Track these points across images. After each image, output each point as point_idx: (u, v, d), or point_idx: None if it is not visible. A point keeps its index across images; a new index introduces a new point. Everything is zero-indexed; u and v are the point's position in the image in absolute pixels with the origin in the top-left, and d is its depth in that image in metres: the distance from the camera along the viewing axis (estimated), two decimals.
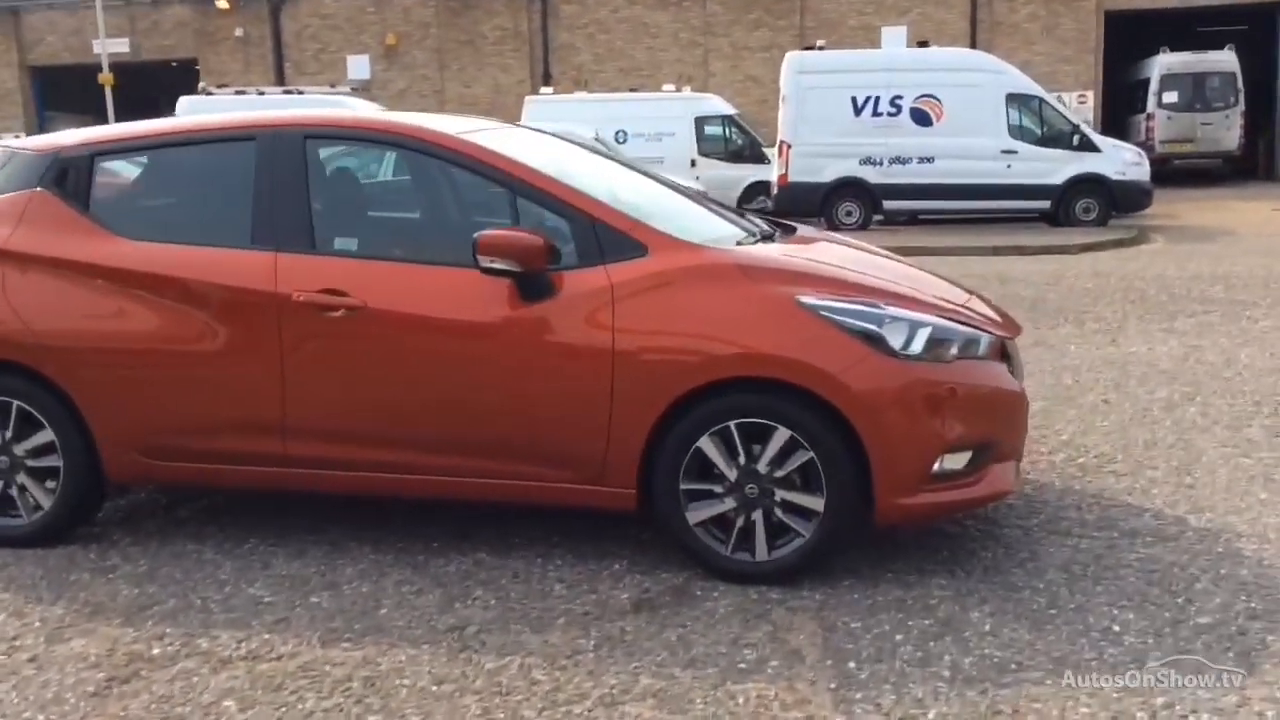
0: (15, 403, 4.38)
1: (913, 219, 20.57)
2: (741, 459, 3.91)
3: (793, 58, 19.51)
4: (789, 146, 19.34)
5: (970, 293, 4.67)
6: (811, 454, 3.86)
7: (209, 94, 23.59)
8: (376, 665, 3.45)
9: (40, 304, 4.36)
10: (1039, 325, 9.14)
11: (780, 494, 3.92)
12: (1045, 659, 3.43)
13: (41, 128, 25.62)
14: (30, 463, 4.41)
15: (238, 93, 24.09)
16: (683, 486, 3.97)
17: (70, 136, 4.69)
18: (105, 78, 23.23)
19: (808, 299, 3.91)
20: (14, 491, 4.44)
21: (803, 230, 5.12)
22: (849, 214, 19.35)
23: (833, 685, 3.30)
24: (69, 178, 4.48)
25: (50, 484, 4.41)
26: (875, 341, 3.86)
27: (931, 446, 3.89)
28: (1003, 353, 4.19)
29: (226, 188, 4.44)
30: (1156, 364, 7.53)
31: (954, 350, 4.00)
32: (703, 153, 22.72)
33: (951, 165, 18.64)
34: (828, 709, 3.17)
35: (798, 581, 3.97)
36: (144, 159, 4.69)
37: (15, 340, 4.36)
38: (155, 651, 3.59)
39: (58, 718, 3.21)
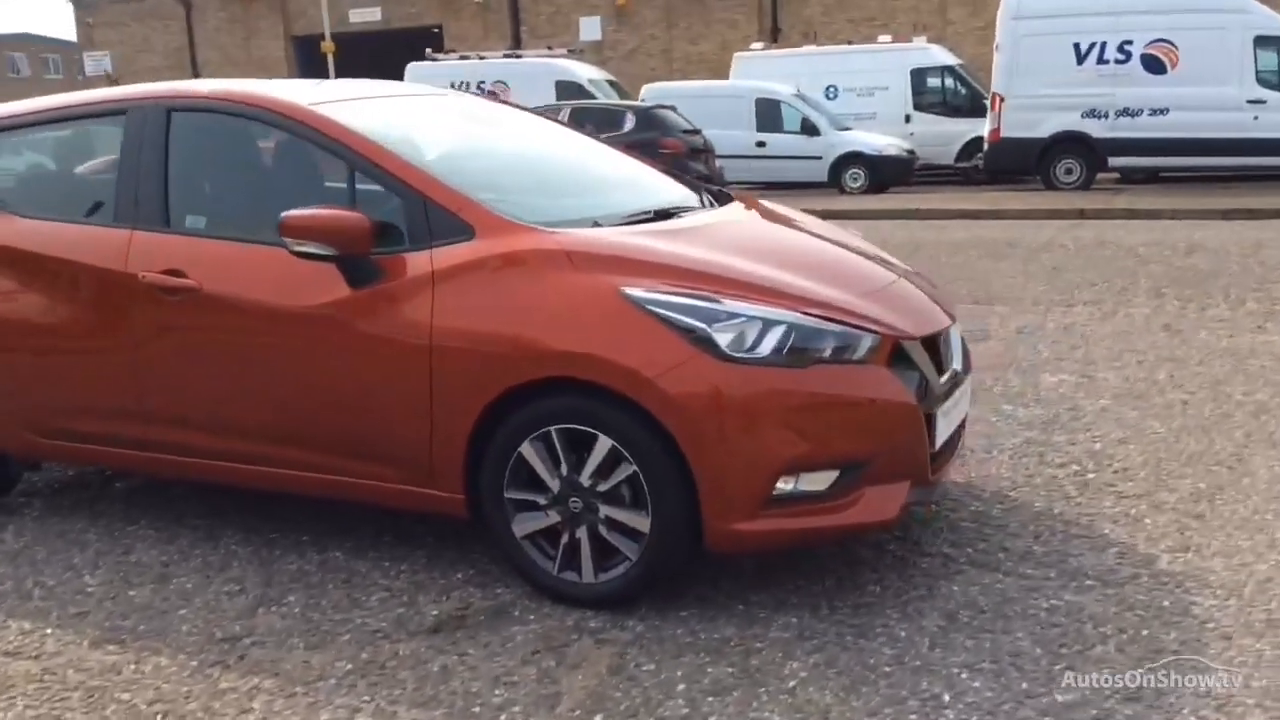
0: None
1: (1153, 176, 18.81)
2: (564, 469, 3.48)
3: (1009, 1, 18.02)
4: (1002, 99, 18.04)
5: (905, 276, 4.02)
6: (635, 467, 3.39)
7: (434, 60, 24.29)
8: (116, 674, 3.27)
9: None
10: (1186, 306, 8.03)
11: (604, 510, 3.47)
12: None
13: None
14: None
15: (461, 58, 24.73)
16: (508, 495, 3.58)
17: None
18: (327, 46, 24.28)
19: (634, 291, 3.41)
20: None
21: (738, 198, 4.58)
22: (1069, 172, 17.91)
23: None
24: None
25: None
26: (702, 341, 3.33)
27: (767, 464, 3.33)
28: (894, 356, 3.53)
29: (100, 162, 4.34)
30: None
31: (824, 352, 3.41)
32: (918, 107, 21.53)
33: (1188, 118, 16.88)
34: None
35: (632, 607, 3.52)
36: (30, 135, 4.65)
37: None
38: None
39: None
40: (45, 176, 4.73)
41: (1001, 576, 3.70)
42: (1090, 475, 4.62)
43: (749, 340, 3.35)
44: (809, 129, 19.49)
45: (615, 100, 20.24)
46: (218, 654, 3.37)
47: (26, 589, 3.89)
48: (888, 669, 3.15)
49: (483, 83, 22.99)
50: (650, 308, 3.37)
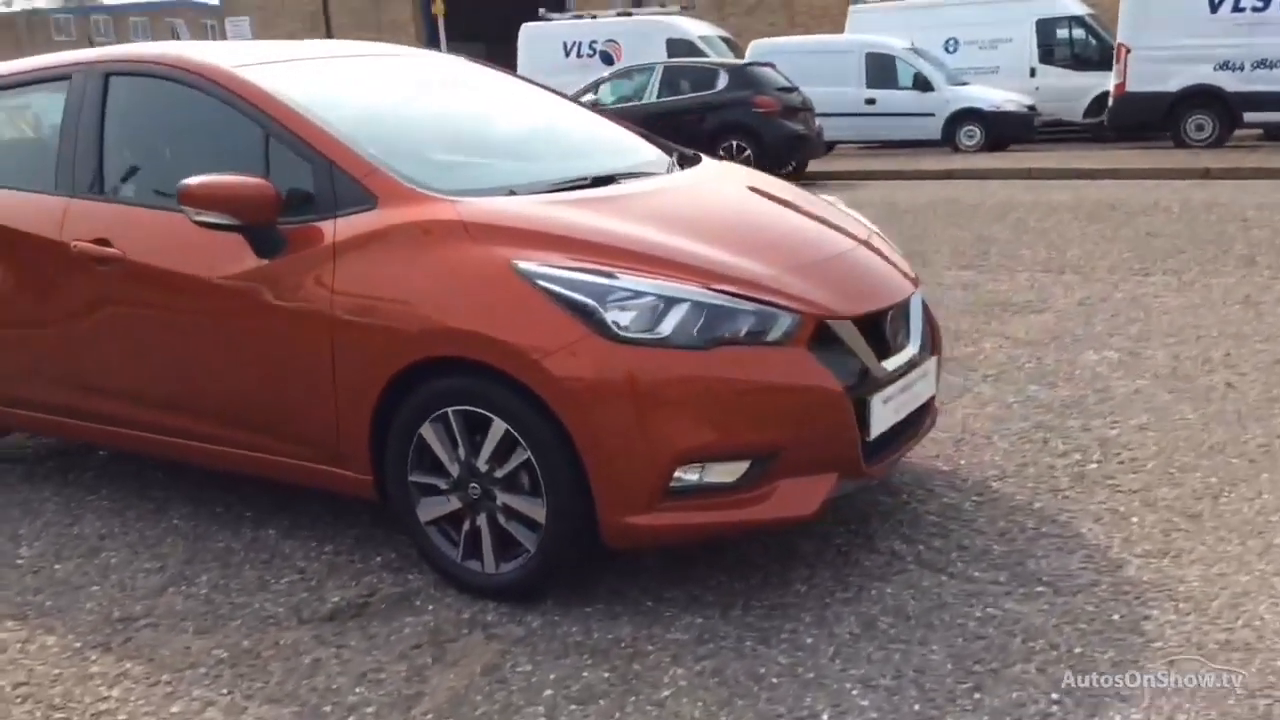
0: None
1: None
2: (462, 453, 3.29)
3: None
4: (1128, 50, 17.03)
5: (866, 244, 3.71)
6: (529, 454, 3.18)
7: (547, 19, 24.16)
8: (1, 652, 3.23)
9: None
10: (1278, 277, 7.37)
11: (502, 498, 3.28)
12: None
13: None
14: None
15: (574, 18, 24.54)
16: (411, 479, 3.41)
17: None
18: (437, 8, 24.32)
19: (526, 265, 3.18)
20: None
21: (705, 163, 4.29)
22: (1199, 128, 16.84)
23: None
24: None
25: None
26: (592, 320, 3.09)
27: (662, 454, 3.08)
28: (820, 337, 3.23)
29: (49, 129, 4.29)
30: None
31: (733, 333, 3.13)
32: (1044, 59, 20.49)
33: None
34: None
35: (536, 600, 3.33)
36: None
37: None
38: None
39: None
40: (5, 143, 4.73)
41: (945, 579, 3.39)
42: (1090, 466, 4.22)
43: (647, 319, 3.10)
44: (922, 84, 18.71)
45: (725, 59, 19.71)
46: (105, 635, 3.30)
47: None
48: (775, 680, 2.89)
49: (594, 42, 22.80)
50: (540, 283, 3.14)
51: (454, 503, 3.36)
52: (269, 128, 3.65)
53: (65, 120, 4.08)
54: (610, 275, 3.15)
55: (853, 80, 18.86)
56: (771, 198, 4.04)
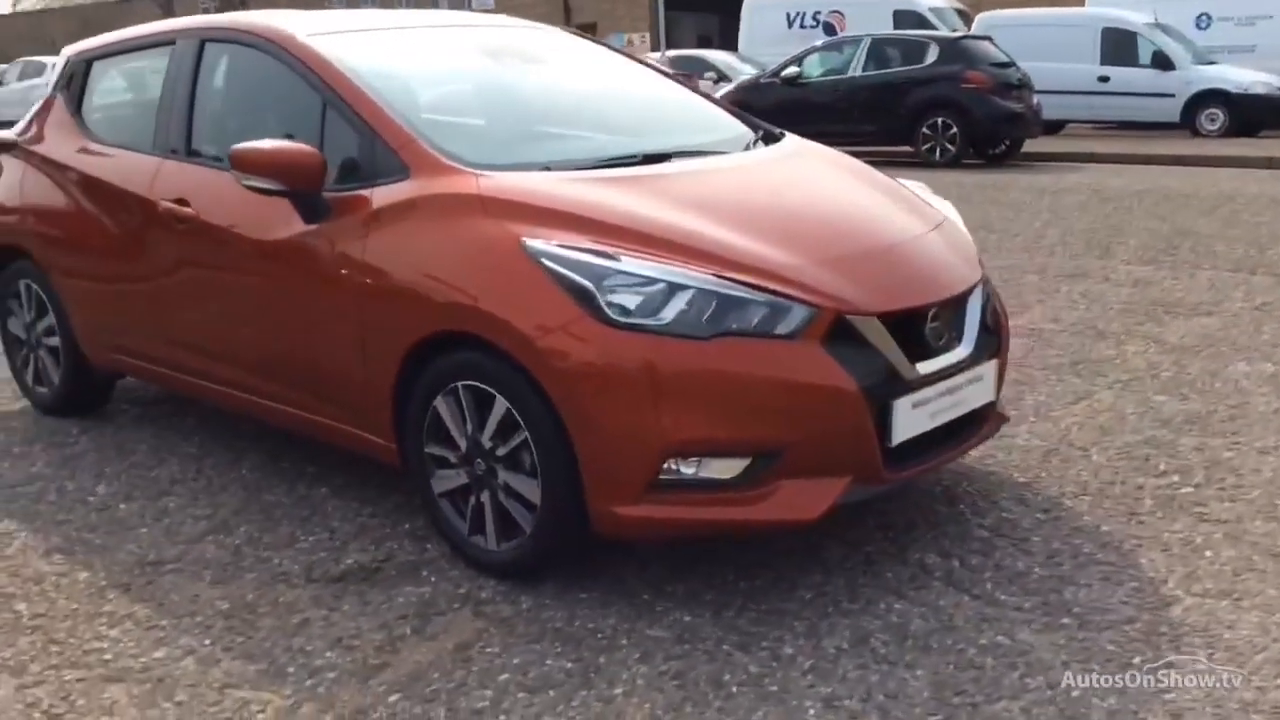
0: (32, 285, 4.85)
1: None
2: (469, 428, 3.28)
3: None
4: None
5: (919, 235, 3.47)
6: (527, 433, 3.13)
7: None
8: (36, 584, 3.43)
9: (40, 199, 4.76)
10: None
11: (504, 476, 3.24)
12: None
13: (664, 29, 27.54)
14: (46, 341, 4.88)
15: None
16: (426, 450, 3.42)
17: (81, 43, 5.00)
18: None
19: (534, 242, 3.12)
20: (39, 365, 4.96)
21: (784, 144, 4.15)
22: None
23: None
24: (73, 82, 4.83)
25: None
26: (588, 301, 3.00)
27: (652, 444, 2.97)
28: (839, 333, 3.03)
29: (157, 91, 4.49)
30: None
31: (741, 323, 2.98)
32: None
33: None
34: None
35: (538, 581, 3.28)
36: (123, 63, 4.87)
37: (21, 229, 4.82)
38: None
39: None
40: (124, 104, 4.99)
41: (965, 599, 3.14)
42: (1185, 490, 3.83)
43: (649, 304, 2.98)
44: (1162, 62, 17.44)
45: (939, 32, 18.90)
46: (131, 577, 3.46)
47: (47, 491, 4.17)
48: (736, 689, 2.75)
49: (818, 13, 22.36)
50: (545, 262, 3.08)
51: (462, 477, 3.35)
52: (325, 95, 3.71)
53: (164, 84, 4.29)
54: (613, 257, 3.05)
55: (1086, 56, 17.79)
56: (835, 183, 3.83)
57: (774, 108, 13.31)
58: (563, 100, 4.33)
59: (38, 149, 4.81)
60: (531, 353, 3.05)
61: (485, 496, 3.30)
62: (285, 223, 3.66)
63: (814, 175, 3.89)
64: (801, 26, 22.20)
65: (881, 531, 3.56)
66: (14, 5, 63.72)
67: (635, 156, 3.69)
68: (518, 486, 3.21)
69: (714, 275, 3.02)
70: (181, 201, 4.03)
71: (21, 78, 27.95)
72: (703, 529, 3.13)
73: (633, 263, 3.03)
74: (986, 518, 3.66)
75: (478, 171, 3.38)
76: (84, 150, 4.61)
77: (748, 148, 4.06)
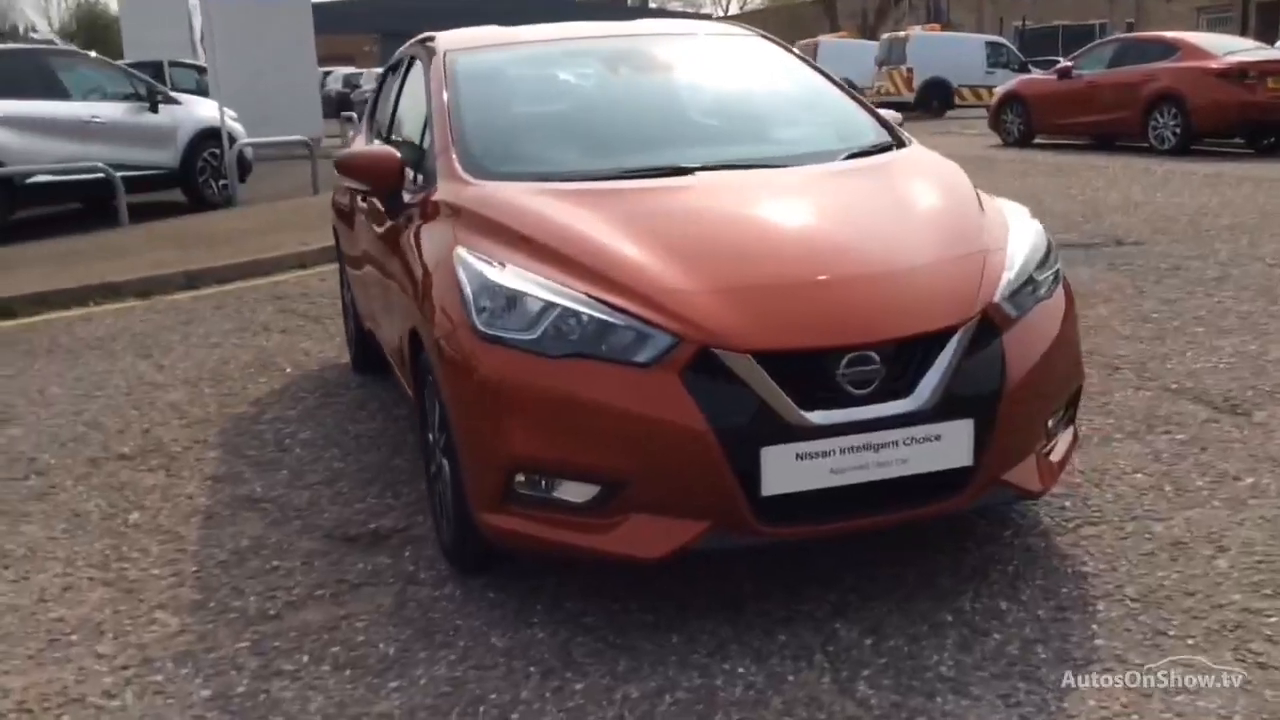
0: None
1: None
2: (436, 419, 3.50)
3: None
4: None
5: (895, 270, 3.10)
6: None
7: None
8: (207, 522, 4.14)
9: None
10: None
11: (445, 464, 3.41)
12: None
13: None
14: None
15: None
16: (427, 434, 3.69)
17: None
18: None
19: (460, 249, 3.28)
20: (349, 330, 5.92)
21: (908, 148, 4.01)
22: None
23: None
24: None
25: None
26: (468, 310, 3.09)
27: (499, 456, 3.01)
28: (705, 365, 2.84)
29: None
30: None
31: (600, 346, 2.90)
32: None
33: None
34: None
35: (540, 581, 3.36)
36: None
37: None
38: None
39: None
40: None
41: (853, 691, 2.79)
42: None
43: (520, 318, 3.02)
44: None
45: None
46: (220, 506, 4.12)
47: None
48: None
49: None
50: (458, 269, 3.22)
51: (435, 462, 3.58)
52: (429, 105, 4.11)
53: (388, 89, 4.97)
54: (497, 266, 3.12)
55: None
56: (841, 207, 3.58)
57: None
58: (648, 111, 4.29)
59: None
60: (433, 354, 3.23)
61: (440, 485, 3.50)
62: (382, 218, 4.13)
63: (827, 197, 3.61)
64: None
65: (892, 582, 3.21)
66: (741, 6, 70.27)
67: (662, 169, 3.66)
68: (446, 477, 3.38)
69: (587, 295, 2.97)
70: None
71: None
72: (559, 550, 3.08)
73: (513, 276, 3.08)
74: (1024, 608, 3.15)
75: (475, 182, 3.60)
76: None
77: (848, 157, 3.87)
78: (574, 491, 2.97)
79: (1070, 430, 3.48)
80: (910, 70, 29.29)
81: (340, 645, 3.10)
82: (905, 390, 2.92)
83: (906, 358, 2.93)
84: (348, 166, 4.06)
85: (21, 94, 11.57)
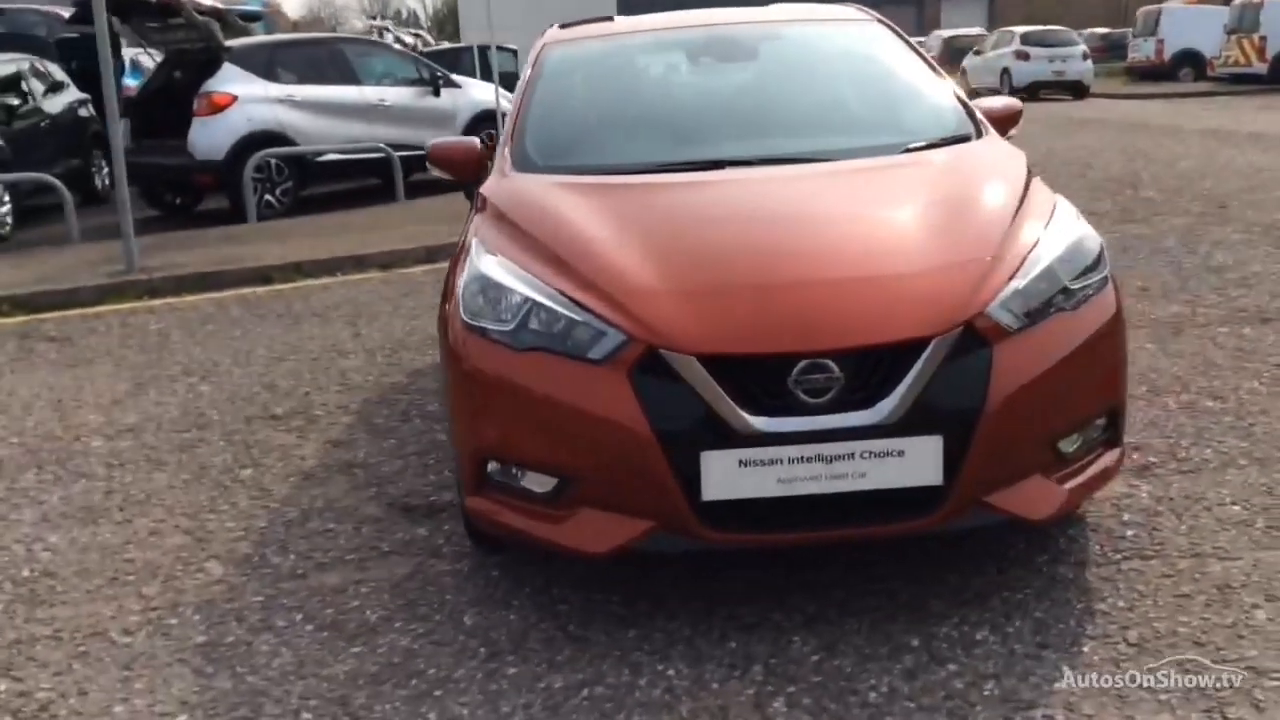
0: None
1: None
2: None
3: None
4: None
5: (878, 276, 2.98)
6: None
7: None
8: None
9: None
10: None
11: None
12: None
13: None
14: None
15: None
16: None
17: None
18: None
19: (474, 237, 3.44)
20: None
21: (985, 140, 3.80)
22: None
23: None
24: None
25: None
26: (461, 301, 3.22)
27: (473, 442, 3.13)
28: (654, 366, 2.82)
29: None
30: None
31: (558, 342, 2.95)
32: None
33: None
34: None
35: (559, 569, 3.42)
36: None
37: None
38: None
39: None
40: None
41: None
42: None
43: (499, 308, 3.11)
44: None
45: None
46: (313, 472, 4.47)
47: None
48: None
49: None
50: (467, 260, 3.35)
51: None
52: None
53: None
54: (489, 255, 3.23)
55: None
56: (842, 208, 3.42)
57: None
58: (712, 102, 4.22)
59: None
60: (440, 340, 3.38)
61: None
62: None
63: (836, 197, 3.47)
64: None
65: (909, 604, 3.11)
66: None
67: (696, 163, 3.64)
68: None
69: (559, 291, 3.02)
70: None
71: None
72: (526, 540, 3.14)
73: (496, 267, 3.17)
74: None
75: (511, 174, 3.72)
76: None
77: (907, 150, 3.72)
78: (537, 482, 3.03)
79: (1109, 455, 3.17)
80: (1264, 39, 26.39)
81: (333, 609, 3.31)
82: (869, 402, 2.79)
83: (870, 368, 2.80)
84: (434, 156, 4.26)
85: (320, 80, 12.68)
